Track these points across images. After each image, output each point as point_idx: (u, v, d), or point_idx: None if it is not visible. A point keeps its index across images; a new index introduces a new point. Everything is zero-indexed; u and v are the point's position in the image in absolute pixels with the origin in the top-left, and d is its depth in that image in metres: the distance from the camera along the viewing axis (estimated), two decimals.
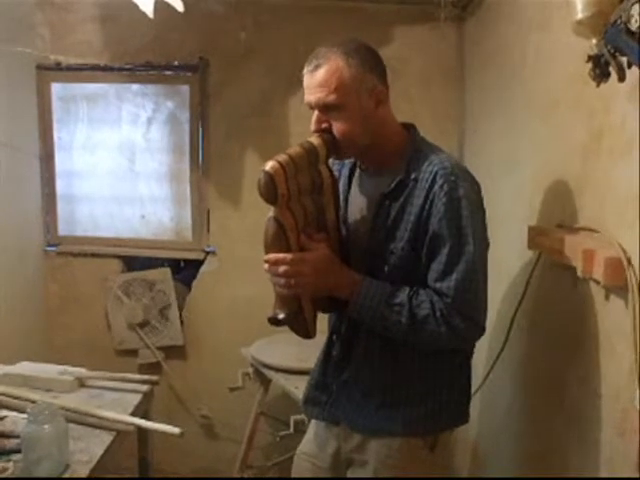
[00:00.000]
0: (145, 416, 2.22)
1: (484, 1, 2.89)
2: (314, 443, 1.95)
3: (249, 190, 3.33)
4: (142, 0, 2.19)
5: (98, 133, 3.43)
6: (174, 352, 3.51)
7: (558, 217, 1.93)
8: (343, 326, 1.84)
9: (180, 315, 3.48)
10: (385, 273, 1.71)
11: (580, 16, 1.39)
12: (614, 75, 1.36)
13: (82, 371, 2.36)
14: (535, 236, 1.99)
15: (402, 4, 3.19)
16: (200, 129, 3.34)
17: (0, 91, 3.06)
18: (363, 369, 1.80)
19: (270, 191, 1.55)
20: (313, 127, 1.69)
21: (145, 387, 2.32)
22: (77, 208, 3.50)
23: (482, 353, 2.70)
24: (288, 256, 1.62)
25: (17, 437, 1.79)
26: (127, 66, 3.31)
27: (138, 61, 3.30)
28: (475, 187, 1.70)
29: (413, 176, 1.68)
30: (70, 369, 2.36)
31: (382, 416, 1.76)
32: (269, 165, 1.55)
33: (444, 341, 1.65)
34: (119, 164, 3.44)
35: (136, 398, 2.23)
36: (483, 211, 1.71)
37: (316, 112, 1.68)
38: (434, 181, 1.63)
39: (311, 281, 1.63)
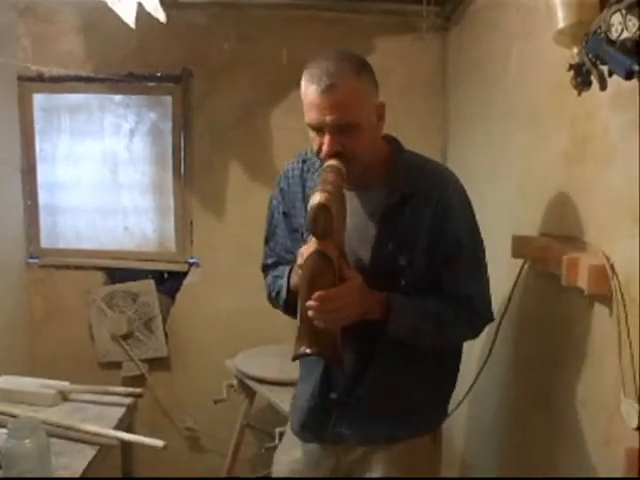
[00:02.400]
0: (129, 429, 2.19)
1: (467, 12, 2.91)
2: (303, 462, 1.89)
3: (233, 201, 3.33)
4: (124, 10, 2.17)
5: (81, 144, 3.40)
6: (158, 364, 3.49)
7: (542, 225, 1.94)
8: (355, 344, 1.72)
9: (164, 327, 3.46)
10: (402, 286, 1.68)
11: (561, 25, 1.40)
12: (596, 84, 1.36)
13: (65, 384, 2.34)
14: (519, 245, 1.99)
15: (384, 15, 3.21)
16: (183, 140, 3.32)
17: None
18: (380, 383, 1.75)
19: (328, 225, 1.46)
20: (326, 149, 1.57)
21: (129, 400, 2.29)
22: (60, 220, 3.47)
23: (468, 361, 2.70)
24: (340, 289, 1.53)
25: None
26: (110, 77, 3.29)
27: (121, 72, 3.27)
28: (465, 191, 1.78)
29: (415, 187, 1.66)
30: (52, 382, 2.34)
31: (398, 424, 1.77)
32: (319, 197, 1.43)
33: (463, 339, 1.81)
34: (102, 175, 3.41)
35: (119, 411, 2.21)
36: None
37: (327, 134, 1.56)
38: (442, 190, 1.67)
39: (358, 311, 1.57)
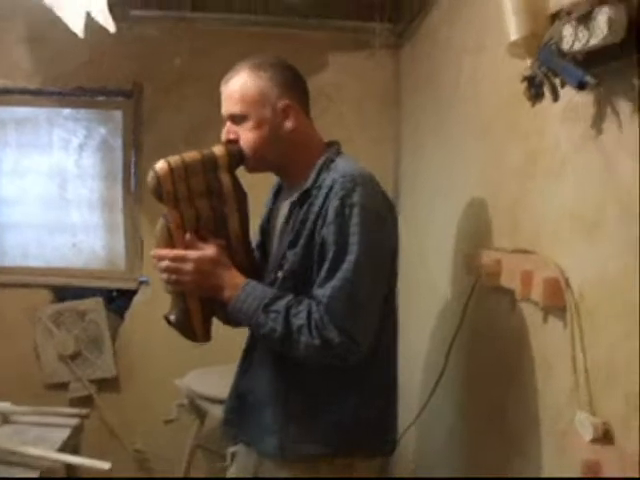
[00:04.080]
0: (75, 451, 2.14)
1: (419, 29, 2.92)
2: (233, 467, 1.90)
3: None
4: (72, 20, 2.12)
5: (27, 158, 3.32)
6: (107, 385, 3.39)
7: (494, 240, 1.93)
8: (249, 339, 1.83)
9: (113, 346, 3.37)
10: (279, 280, 1.69)
11: (514, 37, 1.39)
12: (549, 95, 1.36)
13: (6, 405, 2.26)
14: (472, 260, 1.99)
15: (338, 32, 3.21)
16: (134, 156, 3.26)
17: None
18: (257, 379, 1.77)
19: (155, 188, 1.66)
20: (222, 137, 1.75)
21: (74, 421, 2.23)
22: (5, 236, 3.38)
23: (419, 380, 2.69)
24: (171, 252, 1.66)
25: None
26: (58, 90, 3.22)
27: (70, 85, 3.21)
28: (377, 197, 1.66)
29: (317, 184, 1.67)
30: None
31: (284, 436, 1.69)
32: (158, 164, 1.66)
33: (319, 355, 1.57)
34: (49, 191, 3.33)
35: (64, 433, 2.15)
36: (382, 221, 1.66)
37: (227, 122, 1.74)
38: (332, 188, 1.61)
39: (191, 279, 1.65)
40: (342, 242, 1.56)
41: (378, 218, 1.63)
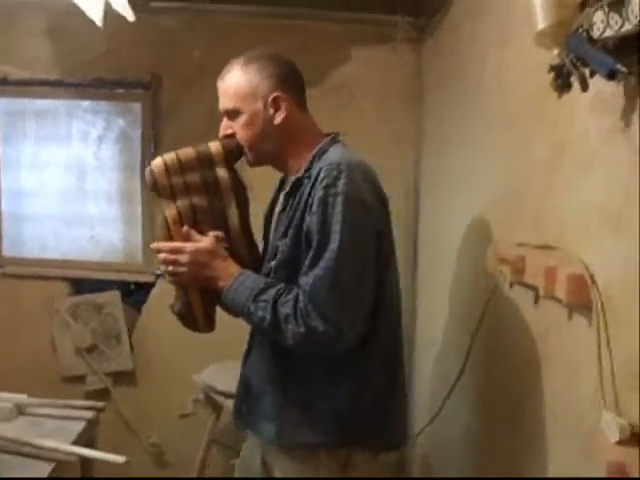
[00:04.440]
0: (90, 444, 2.11)
1: (442, 23, 2.88)
2: (241, 456, 1.96)
3: None
4: (91, 8, 2.09)
5: (46, 151, 3.32)
6: (123, 378, 3.39)
7: (518, 235, 1.88)
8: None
9: (130, 340, 3.37)
10: (272, 269, 1.73)
11: (541, 26, 1.35)
12: (576, 86, 1.32)
13: (22, 397, 2.24)
14: (495, 255, 1.94)
15: (359, 24, 3.17)
16: (152, 148, 3.24)
17: None
18: (256, 369, 1.82)
19: (151, 184, 1.74)
20: (220, 133, 1.80)
21: (90, 414, 2.21)
22: (23, 228, 3.38)
23: (438, 376, 2.65)
24: (167, 244, 1.73)
25: None
26: (77, 82, 3.21)
27: (89, 77, 3.20)
28: (363, 185, 1.63)
29: (308, 174, 1.68)
30: (9, 396, 2.24)
31: (283, 423, 1.72)
32: (154, 160, 1.75)
33: (305, 343, 1.59)
34: (68, 183, 3.33)
35: (79, 426, 2.12)
36: (367, 210, 1.63)
37: (224, 119, 1.79)
38: (317, 177, 1.62)
39: (187, 270, 1.71)
40: (325, 231, 1.57)
41: (362, 206, 1.61)
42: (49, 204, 3.35)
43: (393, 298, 1.79)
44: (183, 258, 1.70)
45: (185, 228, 1.73)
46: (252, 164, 1.81)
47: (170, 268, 1.72)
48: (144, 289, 3.37)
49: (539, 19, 1.36)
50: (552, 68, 1.38)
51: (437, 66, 2.98)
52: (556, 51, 1.35)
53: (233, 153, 1.76)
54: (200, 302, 1.79)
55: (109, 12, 2.22)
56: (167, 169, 1.72)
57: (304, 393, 1.71)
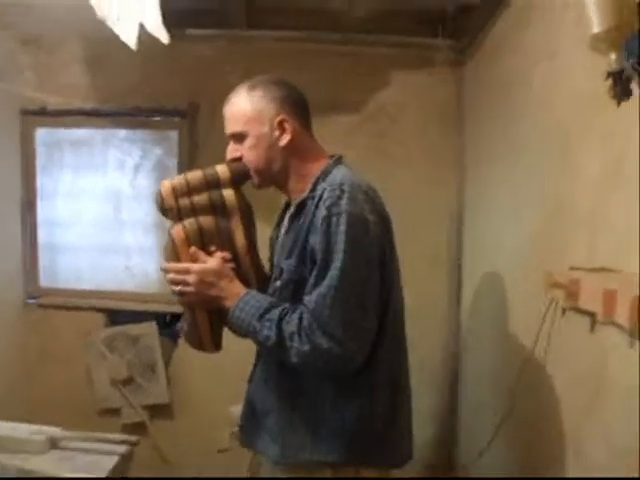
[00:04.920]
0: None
1: (484, 42, 2.80)
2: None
3: None
4: (125, 31, 2.06)
5: (83, 180, 3.30)
6: (160, 411, 3.32)
7: (571, 258, 1.78)
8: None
9: (166, 372, 3.29)
10: (278, 289, 1.74)
11: (597, 30, 1.26)
12: (637, 93, 1.22)
13: (55, 430, 2.17)
14: (548, 280, 1.84)
15: (398, 48, 3.11)
16: None
17: None
18: (260, 387, 1.83)
19: (159, 205, 1.80)
20: (227, 156, 1.82)
21: (123, 448, 2.12)
22: (59, 258, 3.35)
23: (489, 403, 2.54)
24: (175, 265, 1.75)
25: None
26: (114, 110, 3.19)
27: (125, 105, 3.18)
28: (365, 205, 1.64)
29: (312, 195, 1.70)
30: (43, 428, 2.17)
31: (287, 442, 1.73)
32: (163, 183, 1.79)
33: (310, 361, 1.61)
34: (104, 212, 3.30)
35: (112, 460, 2.03)
36: (370, 229, 1.63)
37: (231, 142, 1.81)
38: (321, 197, 1.64)
39: (194, 290, 1.73)
40: (328, 250, 1.59)
41: (365, 225, 1.62)
42: (85, 234, 3.32)
43: (397, 315, 1.81)
44: (190, 278, 1.72)
45: (192, 249, 1.75)
46: (258, 186, 1.84)
47: (178, 288, 1.74)
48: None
49: (594, 22, 1.28)
50: (610, 75, 1.29)
51: (479, 88, 2.90)
52: (613, 56, 1.27)
53: (240, 175, 1.79)
54: (207, 322, 1.81)
55: (144, 38, 2.18)
56: (174, 191, 1.76)
57: (309, 412, 1.71)
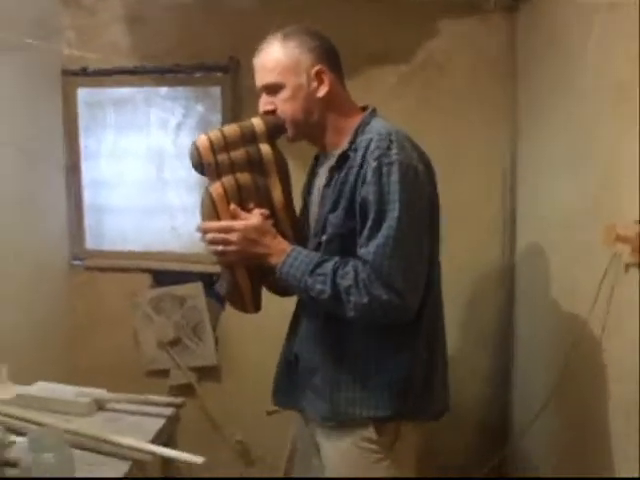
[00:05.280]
0: (169, 442, 2.00)
1: None
2: (294, 435, 2.04)
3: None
4: None
5: (126, 140, 3.25)
6: (207, 373, 3.29)
7: (631, 214, 1.67)
8: (298, 303, 1.90)
9: (214, 334, 3.26)
10: (323, 243, 1.71)
11: None
12: None
13: (101, 392, 2.16)
14: (610, 234, 1.73)
15: None
16: None
17: (24, 97, 2.91)
18: (306, 345, 1.80)
19: (195, 160, 1.71)
20: (259, 109, 1.77)
21: (169, 411, 2.10)
22: (104, 220, 3.32)
23: (542, 366, 2.44)
24: (216, 224, 1.71)
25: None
26: (155, 68, 3.12)
27: (166, 63, 3.11)
28: (414, 153, 1.64)
29: (354, 147, 1.68)
30: (88, 390, 2.17)
31: (330, 399, 1.73)
32: (198, 137, 1.71)
33: (368, 313, 1.59)
34: (148, 173, 3.24)
35: (159, 423, 2.02)
36: (420, 177, 1.63)
37: (263, 94, 1.76)
38: (367, 148, 1.62)
39: (238, 249, 1.69)
40: (383, 200, 1.56)
41: (416, 174, 1.61)
42: (129, 194, 3.27)
43: (439, 269, 1.80)
44: (233, 237, 1.68)
45: (232, 206, 1.71)
46: (292, 139, 1.80)
47: (220, 248, 1.70)
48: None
49: None
50: None
51: (533, 38, 2.74)
52: None
53: (275, 129, 1.74)
54: (248, 282, 1.79)
55: None
56: (212, 146, 1.69)
57: (357, 368, 1.71)
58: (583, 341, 1.99)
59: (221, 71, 3.09)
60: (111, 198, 3.30)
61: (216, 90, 3.13)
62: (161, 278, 3.29)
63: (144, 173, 3.25)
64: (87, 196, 3.30)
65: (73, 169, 3.27)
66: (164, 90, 3.19)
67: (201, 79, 3.14)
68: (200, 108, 3.17)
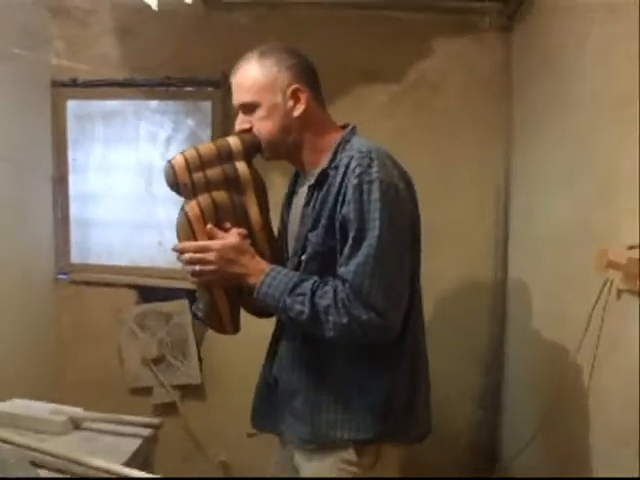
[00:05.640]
0: (145, 463, 1.94)
1: (533, 7, 2.62)
2: (275, 462, 1.97)
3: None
4: None
5: (114, 153, 3.20)
6: (191, 391, 3.23)
7: (628, 236, 1.62)
8: (277, 323, 1.87)
9: (198, 351, 3.20)
10: (303, 263, 1.68)
11: None
12: None
13: (77, 411, 2.10)
14: (602, 259, 1.68)
15: (441, 13, 2.93)
16: None
17: (12, 108, 2.87)
18: (285, 367, 1.77)
19: (171, 179, 1.66)
20: (236, 127, 1.75)
21: (148, 431, 2.04)
22: (90, 233, 3.26)
23: (537, 389, 2.40)
24: (192, 243, 1.67)
25: None
26: (146, 81, 3.09)
27: (157, 76, 3.07)
28: (394, 171, 1.62)
29: (334, 165, 1.67)
30: (64, 408, 2.10)
31: (310, 422, 1.70)
32: (174, 157, 1.67)
33: (348, 334, 1.55)
34: (136, 186, 3.19)
35: (135, 443, 1.95)
36: (401, 195, 1.60)
37: (240, 113, 1.75)
38: (348, 165, 1.60)
39: (215, 268, 1.66)
40: (363, 218, 1.55)
41: (397, 192, 1.59)
42: (117, 208, 3.22)
43: (419, 290, 1.77)
44: (210, 256, 1.65)
45: (209, 226, 1.68)
46: (268, 158, 1.78)
47: (197, 268, 1.67)
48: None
49: None
50: None
51: (529, 56, 2.71)
52: None
53: (252, 147, 1.72)
54: (226, 302, 1.76)
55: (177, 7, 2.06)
56: (188, 165, 1.66)
57: (339, 389, 1.68)
58: (573, 368, 1.94)
59: (212, 86, 3.06)
60: (98, 212, 3.25)
61: (207, 105, 3.09)
62: (147, 294, 3.24)
63: (132, 187, 3.20)
64: (74, 209, 3.25)
65: (60, 181, 3.22)
66: (154, 103, 3.15)
67: (192, 93, 3.10)
68: (190, 122, 3.13)
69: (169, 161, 1.68)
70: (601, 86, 1.89)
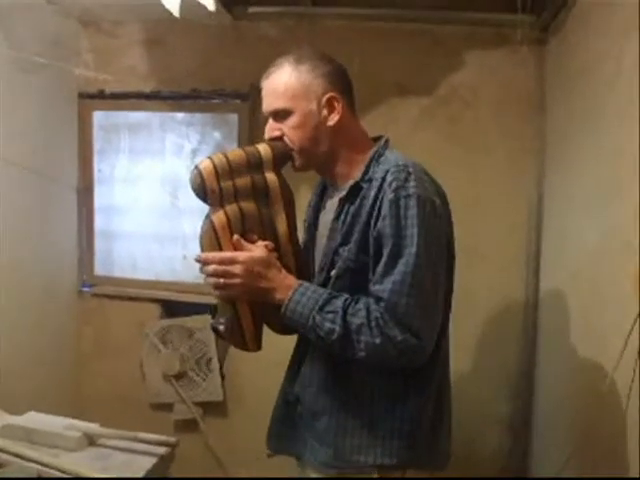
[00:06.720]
0: None
1: (567, 20, 2.55)
2: None
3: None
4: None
5: (140, 165, 3.18)
6: (213, 409, 3.18)
7: None
8: (299, 341, 1.80)
9: (221, 368, 3.15)
10: (332, 278, 1.62)
11: None
12: None
13: (92, 427, 2.05)
14: (638, 283, 1.60)
15: (474, 26, 2.87)
16: None
17: (40, 119, 2.88)
18: (309, 387, 1.70)
19: (198, 186, 1.58)
20: (265, 135, 1.68)
21: (163, 450, 1.98)
22: (115, 246, 3.24)
23: (563, 426, 2.30)
24: (217, 254, 1.58)
25: None
26: (173, 94, 3.06)
27: (184, 88, 3.05)
28: (431, 186, 1.57)
29: (368, 177, 1.61)
30: (79, 424, 2.05)
31: (333, 446, 1.63)
32: (201, 162, 1.59)
33: (380, 354, 1.49)
34: (161, 199, 3.16)
35: (150, 462, 1.89)
36: (438, 211, 1.54)
37: (270, 120, 1.67)
38: (384, 179, 1.54)
39: (241, 282, 1.57)
40: (400, 234, 1.49)
41: (434, 208, 1.53)
42: (141, 221, 3.20)
43: (450, 309, 1.70)
44: (236, 269, 1.56)
45: (235, 236, 1.60)
46: (298, 168, 1.70)
47: (222, 281, 1.57)
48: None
49: None
50: None
51: (563, 69, 2.63)
52: None
53: (283, 156, 1.65)
54: (250, 318, 1.66)
55: (205, 18, 2.03)
56: (216, 171, 1.57)
57: (366, 413, 1.62)
58: (609, 391, 1.85)
59: (239, 98, 3.02)
60: (123, 224, 3.23)
61: (233, 117, 3.06)
62: (170, 308, 3.20)
63: (157, 200, 3.17)
64: (98, 221, 3.23)
65: (85, 193, 3.21)
66: (180, 115, 3.12)
67: (218, 105, 3.07)
68: (216, 135, 3.10)
69: (196, 166, 1.60)
70: (636, 107, 1.80)
